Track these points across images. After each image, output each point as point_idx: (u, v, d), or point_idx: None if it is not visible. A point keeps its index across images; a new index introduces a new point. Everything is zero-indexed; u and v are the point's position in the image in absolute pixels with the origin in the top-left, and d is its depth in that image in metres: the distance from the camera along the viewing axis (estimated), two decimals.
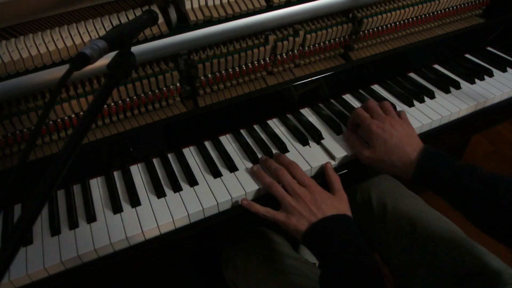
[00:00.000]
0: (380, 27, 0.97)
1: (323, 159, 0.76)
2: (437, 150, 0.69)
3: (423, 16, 1.02)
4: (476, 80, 0.97)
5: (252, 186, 0.72)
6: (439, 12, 1.04)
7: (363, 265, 0.60)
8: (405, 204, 0.85)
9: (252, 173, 0.73)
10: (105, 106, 0.77)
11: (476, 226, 0.67)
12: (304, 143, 0.80)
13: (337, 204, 0.67)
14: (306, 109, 0.90)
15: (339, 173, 0.77)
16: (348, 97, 0.93)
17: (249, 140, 0.81)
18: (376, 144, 0.72)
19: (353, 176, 0.81)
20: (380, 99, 0.90)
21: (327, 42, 0.93)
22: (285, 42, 0.86)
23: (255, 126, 0.85)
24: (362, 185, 0.91)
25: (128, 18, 0.74)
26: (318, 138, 0.81)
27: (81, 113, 0.76)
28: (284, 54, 0.89)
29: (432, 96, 0.91)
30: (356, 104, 0.90)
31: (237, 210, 0.71)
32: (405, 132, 0.72)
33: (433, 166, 0.67)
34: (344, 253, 0.61)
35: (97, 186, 0.74)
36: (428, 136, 0.85)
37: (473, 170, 0.65)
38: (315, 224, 0.64)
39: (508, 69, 1.01)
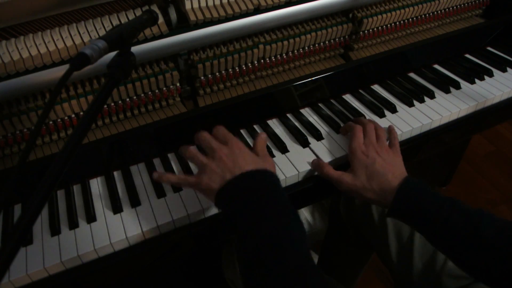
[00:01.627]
0: (380, 27, 0.97)
1: (324, 158, 0.76)
2: (419, 180, 0.65)
3: (423, 16, 1.02)
4: (476, 80, 0.97)
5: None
6: (439, 12, 1.04)
7: (286, 234, 0.52)
8: None
9: (179, 152, 0.66)
10: (105, 106, 0.77)
11: (456, 264, 0.63)
12: (304, 143, 0.80)
13: (259, 161, 0.60)
14: (306, 109, 0.90)
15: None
16: (348, 97, 0.93)
17: (249, 140, 0.81)
18: (358, 168, 0.68)
19: None
20: (380, 99, 0.90)
21: (327, 42, 0.93)
22: (285, 43, 0.86)
23: (255, 126, 0.85)
24: None
25: (128, 18, 0.74)
26: (318, 137, 0.81)
27: (81, 113, 0.76)
28: (284, 55, 0.89)
29: (432, 96, 0.91)
30: (356, 104, 0.90)
31: None
32: (390, 160, 0.69)
33: (413, 195, 0.63)
34: (264, 219, 0.52)
35: (97, 186, 0.74)
36: (428, 136, 0.85)
37: (454, 202, 0.61)
38: (230, 180, 0.55)
39: (508, 69, 1.01)
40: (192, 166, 0.76)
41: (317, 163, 0.73)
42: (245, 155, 0.59)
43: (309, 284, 0.48)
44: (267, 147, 0.78)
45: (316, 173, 0.76)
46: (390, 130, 0.77)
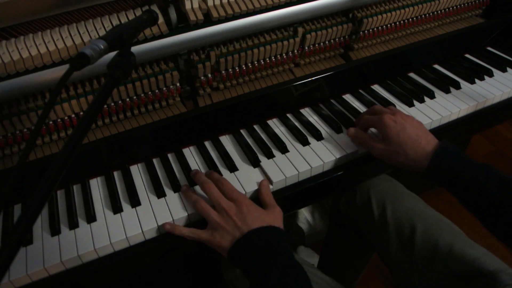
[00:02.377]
0: (380, 27, 0.97)
1: (324, 158, 0.76)
2: (454, 146, 0.68)
3: (423, 16, 1.02)
4: (476, 80, 0.97)
5: (252, 186, 0.72)
6: (439, 12, 1.04)
7: (293, 283, 0.57)
8: (405, 204, 0.85)
9: (181, 193, 0.70)
10: (105, 106, 0.77)
11: (488, 229, 0.65)
12: (304, 143, 0.80)
13: (266, 216, 0.64)
14: (306, 109, 0.90)
15: (338, 173, 0.77)
16: (348, 97, 0.93)
17: (249, 140, 0.81)
18: (390, 135, 0.70)
19: (349, 177, 0.81)
20: (380, 99, 0.90)
21: (327, 42, 0.93)
22: (285, 42, 0.86)
23: (255, 126, 0.85)
24: (362, 186, 0.91)
25: (128, 18, 0.74)
26: (318, 137, 0.81)
27: (81, 113, 0.76)
28: (284, 54, 0.89)
29: (432, 96, 0.91)
30: (356, 104, 0.90)
31: None
32: (419, 126, 0.71)
33: (449, 161, 0.65)
34: (271, 271, 0.57)
35: (97, 186, 0.74)
36: None
37: (490, 170, 0.63)
38: (240, 240, 0.60)
39: (508, 69, 1.01)
40: (192, 166, 0.76)
41: (354, 132, 0.77)
42: (253, 212, 0.63)
43: None
44: (267, 147, 0.78)
45: (316, 173, 0.76)
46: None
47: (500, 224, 0.62)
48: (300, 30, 0.88)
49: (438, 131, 0.86)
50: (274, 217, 0.65)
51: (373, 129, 0.80)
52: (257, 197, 0.72)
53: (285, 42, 0.86)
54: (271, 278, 0.56)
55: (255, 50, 0.84)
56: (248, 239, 0.60)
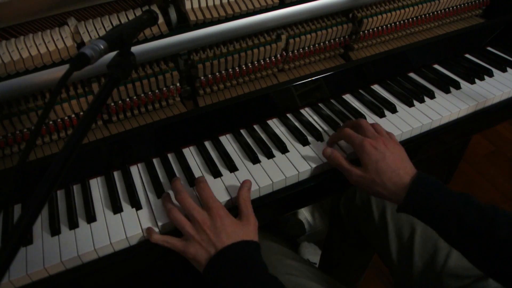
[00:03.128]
0: (380, 27, 0.97)
1: (324, 158, 0.76)
2: (431, 176, 0.65)
3: (423, 16, 1.02)
4: (476, 80, 0.97)
5: (252, 186, 0.71)
6: (439, 12, 1.04)
7: None
8: None
9: (162, 199, 0.69)
10: (105, 106, 0.77)
11: (469, 260, 0.62)
12: (304, 143, 0.80)
13: (240, 230, 0.62)
14: (306, 109, 0.90)
15: (338, 173, 0.77)
16: (348, 97, 0.93)
17: (249, 140, 0.81)
18: (368, 162, 0.66)
19: None
20: (380, 99, 0.90)
21: (327, 42, 0.93)
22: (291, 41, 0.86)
23: (255, 126, 0.85)
24: None
25: (128, 18, 0.74)
26: (318, 138, 0.81)
27: (81, 113, 0.76)
28: (284, 55, 0.89)
29: (432, 96, 0.91)
30: (356, 104, 0.90)
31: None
32: (398, 154, 0.68)
33: (426, 192, 0.62)
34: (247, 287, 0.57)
35: (97, 186, 0.74)
36: (428, 136, 0.85)
37: (468, 199, 0.60)
38: (214, 257, 0.59)
39: (508, 69, 1.01)
40: (192, 166, 0.76)
41: (330, 153, 0.73)
42: (227, 227, 0.62)
43: None
44: (267, 147, 0.78)
45: (316, 173, 0.76)
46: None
47: (483, 257, 0.59)
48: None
49: (438, 131, 0.86)
50: (249, 230, 0.63)
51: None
52: (256, 198, 0.72)
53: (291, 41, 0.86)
54: None
55: (255, 50, 0.84)
56: (223, 256, 0.59)
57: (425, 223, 0.64)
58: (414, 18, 1.01)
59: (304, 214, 1.45)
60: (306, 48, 0.91)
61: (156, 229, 0.67)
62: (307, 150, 0.79)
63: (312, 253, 1.33)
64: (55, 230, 0.66)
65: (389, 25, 0.98)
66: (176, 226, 0.64)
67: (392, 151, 0.67)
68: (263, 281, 0.58)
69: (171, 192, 0.70)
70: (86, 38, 0.71)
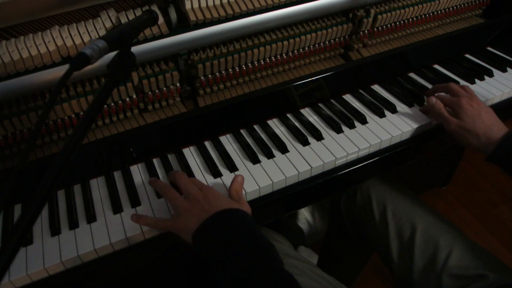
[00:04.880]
0: (380, 27, 0.97)
1: (324, 158, 0.76)
2: None
3: (423, 16, 1.02)
4: (476, 80, 0.97)
5: (252, 186, 0.72)
6: (439, 12, 1.04)
7: (262, 266, 0.54)
8: (405, 204, 0.85)
9: (150, 183, 0.70)
10: (105, 106, 0.77)
11: None
12: (304, 143, 0.80)
13: (234, 204, 0.62)
14: (306, 109, 0.90)
15: (338, 173, 0.77)
16: (348, 97, 0.93)
17: (249, 140, 0.81)
18: (466, 117, 0.76)
19: (350, 177, 0.81)
20: (380, 99, 0.90)
21: (327, 42, 0.93)
22: (285, 42, 0.86)
23: (255, 126, 0.85)
24: (362, 186, 0.92)
25: (128, 18, 0.74)
26: (318, 137, 0.81)
27: (81, 113, 0.76)
28: (284, 55, 0.89)
29: None
30: (356, 104, 0.90)
31: None
32: (492, 114, 0.77)
33: None
34: (239, 251, 0.55)
35: (97, 186, 0.74)
36: (428, 136, 0.85)
37: None
38: (206, 220, 0.58)
39: (508, 69, 1.01)
40: (192, 166, 0.76)
41: (434, 101, 0.81)
42: (221, 199, 0.62)
43: None
44: (267, 147, 0.78)
45: (315, 174, 0.76)
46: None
47: None
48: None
49: (439, 131, 0.86)
50: (242, 207, 0.63)
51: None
52: (256, 198, 0.72)
53: (285, 42, 0.86)
54: (238, 258, 0.54)
55: (255, 50, 0.84)
56: (215, 219, 0.58)
57: (509, 175, 0.73)
58: (414, 18, 1.01)
59: (304, 214, 1.45)
60: (306, 48, 0.91)
61: (156, 230, 0.67)
62: (307, 150, 0.78)
63: (309, 256, 1.33)
64: (55, 230, 0.66)
65: (389, 25, 0.98)
66: (169, 201, 0.64)
67: (486, 110, 0.77)
68: (260, 245, 0.56)
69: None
70: (86, 38, 0.71)
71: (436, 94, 0.85)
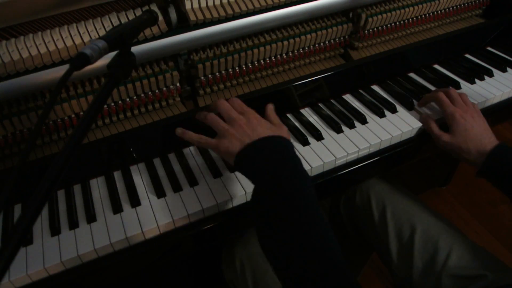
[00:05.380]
0: (380, 27, 0.97)
1: (323, 158, 0.76)
2: (510, 148, 0.73)
3: (423, 16, 1.02)
4: (476, 80, 0.97)
5: (252, 186, 0.71)
6: (439, 12, 1.04)
7: (304, 191, 0.55)
8: (405, 204, 0.85)
9: (180, 134, 0.69)
10: (105, 106, 0.77)
11: None
12: (304, 143, 0.80)
13: (276, 129, 0.64)
14: (306, 109, 0.89)
15: (338, 173, 0.77)
16: (348, 97, 0.93)
17: None
18: (457, 130, 0.76)
19: (350, 177, 0.81)
20: (380, 99, 0.90)
21: (327, 42, 0.93)
22: (285, 42, 0.86)
23: None
24: (362, 186, 0.92)
25: (128, 18, 0.74)
26: (318, 137, 0.81)
27: (81, 113, 0.76)
28: (284, 55, 0.89)
29: None
30: (356, 104, 0.90)
31: (237, 209, 0.71)
32: (483, 125, 0.77)
33: (504, 159, 0.71)
34: (280, 174, 0.56)
35: (97, 186, 0.74)
36: (429, 136, 0.85)
37: None
38: (249, 144, 0.59)
39: (508, 69, 1.01)
40: (192, 166, 0.76)
41: (425, 118, 0.82)
42: (262, 124, 0.63)
43: (321, 241, 0.52)
44: None
45: (315, 173, 0.76)
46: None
47: None
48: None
49: None
50: (282, 132, 0.64)
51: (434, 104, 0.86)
52: None
53: (285, 42, 0.86)
54: (279, 186, 0.55)
55: (255, 50, 0.84)
56: (258, 143, 0.59)
57: (499, 189, 0.72)
58: (414, 18, 1.01)
59: None
60: (306, 48, 0.91)
61: (157, 230, 0.67)
62: (307, 150, 0.78)
63: None
64: (55, 230, 0.66)
65: (389, 25, 0.98)
66: (212, 125, 0.65)
67: (479, 123, 0.77)
68: (297, 172, 0.57)
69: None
70: (86, 38, 0.71)
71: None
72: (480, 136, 0.74)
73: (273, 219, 0.53)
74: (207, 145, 0.65)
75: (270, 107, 0.71)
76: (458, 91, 0.94)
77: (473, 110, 0.79)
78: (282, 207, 0.53)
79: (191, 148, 0.81)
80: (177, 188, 0.72)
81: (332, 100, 0.91)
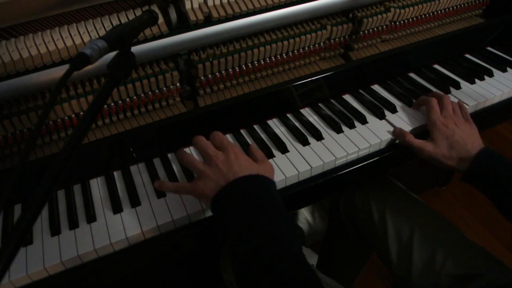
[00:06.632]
0: (380, 27, 0.97)
1: (324, 158, 0.76)
2: (496, 152, 0.72)
3: (423, 16, 1.02)
4: (476, 80, 0.97)
5: None
6: (439, 12, 1.04)
7: (280, 238, 0.52)
8: (404, 204, 0.85)
9: (176, 156, 0.67)
10: (105, 106, 0.77)
11: None
12: (304, 143, 0.80)
13: (255, 166, 0.60)
14: (306, 109, 0.89)
15: (338, 174, 0.77)
16: (348, 97, 0.93)
17: (249, 140, 0.81)
18: (439, 138, 0.75)
19: (350, 178, 0.81)
20: (380, 99, 0.90)
21: (327, 42, 0.93)
22: (285, 42, 0.86)
23: (255, 126, 0.85)
24: (362, 186, 0.91)
25: (128, 18, 0.74)
26: (318, 137, 0.81)
27: (81, 113, 0.76)
28: (284, 55, 0.89)
29: None
30: (356, 104, 0.90)
31: None
32: (468, 131, 0.76)
33: (488, 164, 0.71)
34: (256, 222, 0.52)
35: (97, 186, 0.74)
36: (428, 136, 0.85)
37: None
38: (224, 186, 0.56)
39: (508, 69, 1.01)
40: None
41: (399, 132, 0.80)
42: (241, 161, 0.60)
43: (304, 285, 0.49)
44: (267, 147, 0.78)
45: (315, 173, 0.76)
46: (460, 106, 0.82)
47: None
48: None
49: None
50: (265, 169, 0.61)
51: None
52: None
53: (285, 42, 0.86)
54: (255, 229, 0.52)
55: (255, 50, 0.84)
56: (233, 185, 0.56)
57: (484, 194, 0.71)
58: (414, 18, 1.01)
59: (304, 214, 1.45)
60: (306, 48, 0.91)
61: (157, 230, 0.67)
62: (307, 150, 0.78)
63: (309, 256, 1.33)
64: (55, 230, 0.66)
65: (389, 25, 0.98)
66: (188, 167, 0.63)
67: (462, 129, 0.76)
68: (276, 216, 0.54)
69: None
70: (86, 38, 0.71)
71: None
72: (462, 142, 0.73)
73: (248, 263, 0.51)
74: (184, 191, 0.62)
75: (253, 145, 0.70)
76: (458, 91, 0.94)
77: (458, 118, 0.78)
78: (255, 254, 0.50)
79: (191, 148, 0.81)
80: None
81: (332, 100, 0.91)
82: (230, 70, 0.84)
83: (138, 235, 0.66)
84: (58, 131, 0.76)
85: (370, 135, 0.81)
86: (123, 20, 0.73)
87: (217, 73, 0.84)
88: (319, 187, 0.76)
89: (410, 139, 0.77)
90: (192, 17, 0.75)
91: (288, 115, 0.88)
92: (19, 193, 0.72)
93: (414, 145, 0.76)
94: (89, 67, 0.49)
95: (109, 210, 0.69)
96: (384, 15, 0.94)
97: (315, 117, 0.87)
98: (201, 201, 0.60)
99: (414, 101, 0.89)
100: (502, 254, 1.47)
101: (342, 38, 0.94)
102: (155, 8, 0.74)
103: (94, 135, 0.78)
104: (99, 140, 0.77)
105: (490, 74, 0.99)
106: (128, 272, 0.71)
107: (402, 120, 0.85)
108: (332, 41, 0.93)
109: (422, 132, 0.85)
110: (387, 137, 0.81)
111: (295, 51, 0.90)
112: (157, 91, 0.80)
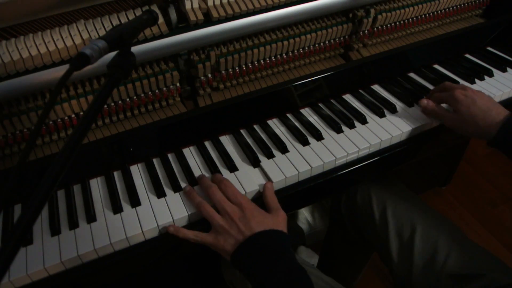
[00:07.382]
0: (380, 27, 0.97)
1: (323, 158, 0.76)
2: None
3: (423, 16, 1.02)
4: (476, 80, 0.97)
5: (252, 186, 0.72)
6: (439, 12, 1.04)
7: (296, 285, 0.59)
8: (405, 204, 0.85)
9: (184, 193, 0.71)
10: (105, 106, 0.77)
11: None
12: (304, 143, 0.80)
13: (269, 221, 0.65)
14: (306, 109, 0.90)
15: (338, 173, 0.77)
16: (348, 97, 0.93)
17: (249, 140, 0.81)
18: (461, 108, 0.76)
19: (350, 177, 0.81)
20: (380, 99, 0.90)
21: (327, 42, 0.93)
22: (285, 42, 0.86)
23: (255, 126, 0.85)
24: (362, 185, 0.91)
25: (128, 18, 0.74)
26: (318, 137, 0.81)
27: (81, 113, 0.76)
28: (284, 55, 0.89)
29: None
30: (356, 104, 0.90)
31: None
32: (487, 99, 0.77)
33: None
34: (274, 275, 0.58)
35: (97, 186, 0.74)
36: (428, 136, 0.85)
37: None
38: (243, 243, 0.61)
39: (508, 69, 1.01)
40: (192, 166, 0.76)
41: (426, 105, 0.83)
42: (256, 217, 0.64)
43: None
44: (267, 147, 0.78)
45: (315, 173, 0.76)
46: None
47: None
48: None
49: (439, 131, 0.86)
50: (278, 222, 0.65)
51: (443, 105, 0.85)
52: (257, 197, 0.72)
53: (285, 42, 0.86)
54: (273, 281, 0.58)
55: (255, 50, 0.84)
56: (251, 242, 0.61)
57: (510, 158, 0.72)
58: (414, 18, 1.01)
59: (304, 214, 1.45)
60: (306, 48, 0.91)
61: (157, 230, 0.67)
62: (307, 150, 0.78)
63: (309, 256, 1.33)
64: (55, 230, 0.66)
65: (389, 25, 0.98)
66: (207, 219, 0.66)
67: (481, 96, 0.77)
68: (292, 269, 0.60)
69: (193, 188, 0.71)
70: (86, 38, 0.71)
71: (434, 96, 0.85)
72: (486, 108, 0.74)
73: None
74: (204, 242, 0.65)
75: (269, 188, 0.71)
76: None
77: (473, 89, 0.80)
78: None
79: (191, 148, 0.81)
80: (177, 188, 0.72)
81: (332, 100, 0.91)
82: (230, 70, 0.84)
83: (138, 235, 0.66)
84: (58, 131, 0.76)
85: (370, 135, 0.81)
86: (123, 20, 0.73)
87: (217, 73, 0.84)
88: (319, 187, 0.76)
89: (434, 108, 0.81)
90: (192, 17, 0.75)
91: (288, 115, 0.88)
92: (19, 193, 0.72)
93: (437, 113, 0.81)
94: (89, 67, 0.49)
95: (109, 210, 0.69)
96: (384, 15, 0.94)
97: (315, 117, 0.87)
98: (221, 254, 0.65)
99: (414, 101, 0.89)
100: (502, 254, 1.47)
101: (342, 38, 0.94)
102: (155, 8, 0.74)
103: (94, 135, 0.78)
104: (99, 140, 0.77)
105: (490, 74, 0.99)
106: (128, 272, 0.71)
107: (402, 120, 0.85)
108: (332, 41, 0.93)
109: (423, 131, 0.85)
110: (387, 137, 0.81)
111: (295, 51, 0.90)
112: (157, 91, 0.80)
